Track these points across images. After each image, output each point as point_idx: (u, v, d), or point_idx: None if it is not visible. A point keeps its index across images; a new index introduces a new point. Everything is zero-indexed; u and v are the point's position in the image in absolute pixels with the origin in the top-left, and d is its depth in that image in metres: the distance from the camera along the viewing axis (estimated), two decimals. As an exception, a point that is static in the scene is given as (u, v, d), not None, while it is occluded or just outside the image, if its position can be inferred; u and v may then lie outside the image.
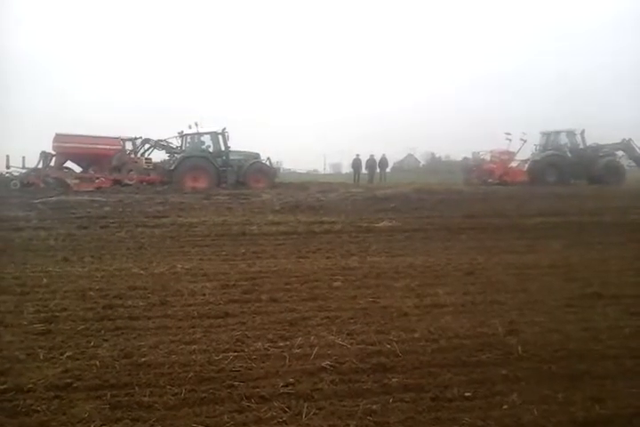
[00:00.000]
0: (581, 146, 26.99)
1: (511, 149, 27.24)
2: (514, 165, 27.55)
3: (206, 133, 23.84)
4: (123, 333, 4.44)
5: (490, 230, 10.34)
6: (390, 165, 37.82)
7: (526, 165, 27.30)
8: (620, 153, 27.43)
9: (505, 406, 3.17)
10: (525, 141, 26.90)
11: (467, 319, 4.74)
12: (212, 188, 21.27)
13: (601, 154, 26.77)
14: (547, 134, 27.74)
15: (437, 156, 61.97)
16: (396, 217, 12.08)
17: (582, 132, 26.95)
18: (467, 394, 3.33)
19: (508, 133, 26.70)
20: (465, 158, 40.60)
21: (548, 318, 4.79)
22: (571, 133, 27.22)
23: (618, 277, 6.32)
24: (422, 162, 63.97)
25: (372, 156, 34.18)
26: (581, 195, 17.77)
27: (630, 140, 27.35)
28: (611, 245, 8.59)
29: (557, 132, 27.63)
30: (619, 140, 27.56)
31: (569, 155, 26.74)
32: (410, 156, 65.54)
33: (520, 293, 5.64)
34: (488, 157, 28.79)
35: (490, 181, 26.18)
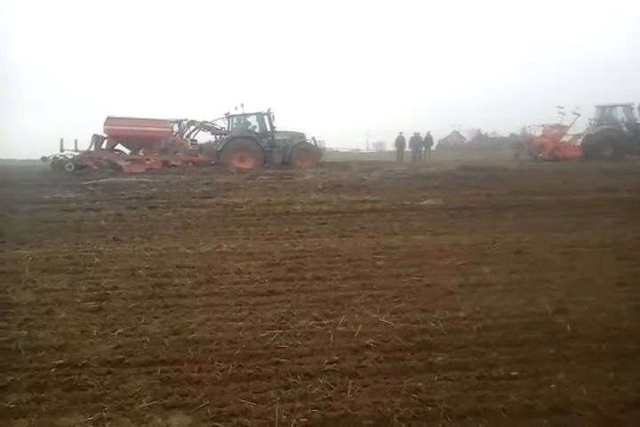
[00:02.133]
0: (638, 121, 25.95)
1: (564, 124, 26.37)
2: (566, 139, 26.69)
3: (252, 114, 23.90)
4: (172, 310, 4.56)
5: (537, 208, 10.09)
6: (435, 142, 37.17)
7: (579, 140, 26.42)
8: None
9: (553, 385, 3.14)
10: (579, 115, 25.95)
11: (513, 298, 4.68)
12: (257, 168, 21.40)
13: None
14: (602, 108, 26.72)
15: (483, 132, 60.57)
16: (441, 195, 11.92)
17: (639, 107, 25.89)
18: (513, 373, 3.30)
19: (561, 107, 25.82)
20: (513, 134, 39.65)
21: (597, 297, 4.67)
22: (627, 107, 26.16)
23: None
24: (468, 139, 62.63)
25: (415, 133, 33.69)
26: (633, 170, 17.14)
27: None
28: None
29: (613, 106, 26.60)
30: None
31: (625, 129, 25.77)
32: (455, 133, 64.15)
33: (569, 271, 5.52)
34: (539, 132, 27.94)
35: (540, 156, 25.45)
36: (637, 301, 4.53)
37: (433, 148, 35.83)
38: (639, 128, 25.57)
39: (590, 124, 26.78)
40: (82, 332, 4.08)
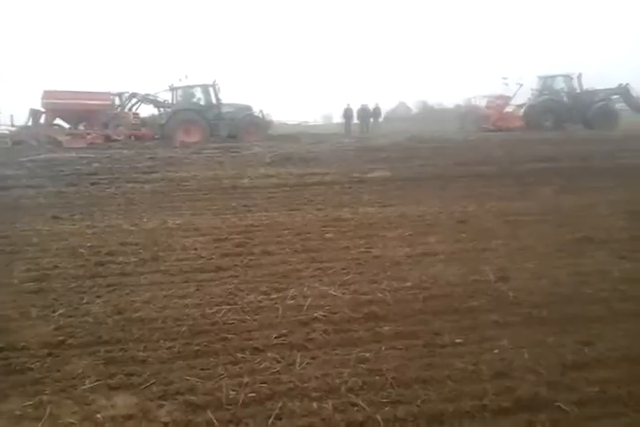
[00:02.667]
0: (578, 90, 26.65)
1: (507, 94, 26.86)
2: (510, 110, 27.23)
3: (197, 86, 23.39)
4: (115, 289, 4.44)
5: (481, 178, 10.28)
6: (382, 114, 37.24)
7: (522, 110, 27.00)
8: (615, 98, 27.12)
9: (496, 351, 3.22)
10: (522, 85, 26.50)
11: (458, 267, 4.77)
12: (203, 141, 21.02)
13: (597, 99, 26.49)
14: (543, 78, 27.31)
15: (430, 104, 61.08)
16: (389, 167, 11.99)
17: (579, 77, 26.57)
18: (458, 340, 3.37)
19: (505, 77, 26.29)
20: (457, 105, 40.12)
21: (538, 263, 4.81)
22: (567, 78, 26.83)
23: (607, 221, 6.34)
24: (414, 110, 63.08)
25: (363, 105, 33.68)
26: (572, 140, 17.66)
27: (627, 85, 27.03)
28: (600, 189, 8.59)
29: (554, 77, 27.21)
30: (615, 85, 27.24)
31: (565, 99, 26.44)
32: (402, 104, 64.44)
33: (511, 239, 5.66)
34: (484, 103, 28.41)
35: (485, 126, 25.90)
36: (576, 266, 4.69)
37: (380, 119, 35.91)
38: (578, 98, 26.29)
39: (532, 94, 27.38)
40: (20, 314, 3.92)
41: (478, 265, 4.78)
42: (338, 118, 40.03)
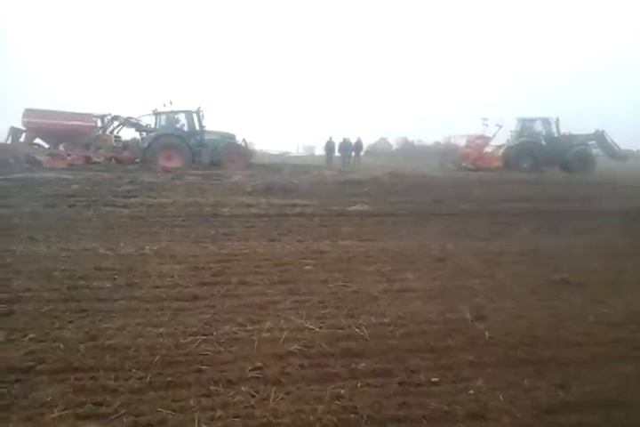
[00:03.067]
0: (556, 134, 27.38)
1: (487, 134, 27.45)
2: (489, 150, 27.79)
3: (181, 112, 23.47)
4: (88, 315, 4.35)
5: (459, 216, 10.42)
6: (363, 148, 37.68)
7: (501, 151, 27.59)
8: (592, 143, 27.94)
9: (471, 392, 3.21)
10: (501, 127, 27.15)
11: (436, 305, 4.78)
12: (185, 167, 20.99)
13: (574, 143, 27.24)
14: (522, 120, 28.02)
15: (410, 140, 62.04)
16: (368, 201, 12.08)
17: (557, 121, 27.33)
18: (434, 379, 3.36)
19: (485, 119, 26.90)
20: (436, 143, 40.79)
21: (515, 304, 4.85)
22: (546, 121, 27.57)
23: (583, 263, 6.43)
24: (395, 146, 63.97)
25: (345, 139, 34.06)
26: (550, 182, 18.02)
27: (603, 131, 27.93)
28: (577, 232, 8.73)
29: (532, 120, 27.94)
30: (592, 131, 28.10)
31: (543, 142, 27.11)
32: (383, 139, 65.40)
33: (488, 278, 5.70)
34: (463, 142, 28.98)
35: (464, 165, 26.34)
36: (552, 308, 4.73)
37: (362, 153, 36.28)
38: (556, 141, 26.98)
39: (511, 135, 28.04)
40: (-11, 337, 3.83)
41: (455, 303, 4.80)
42: (320, 150, 40.42)
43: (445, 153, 29.59)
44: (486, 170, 24.49)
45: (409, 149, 55.13)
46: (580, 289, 5.35)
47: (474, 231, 8.73)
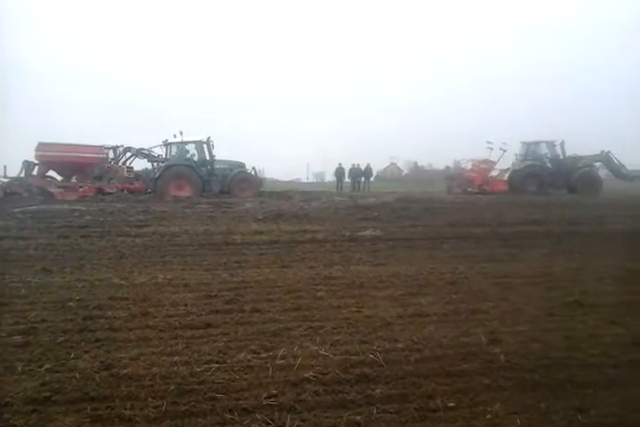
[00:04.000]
0: (561, 156, 27.42)
1: (492, 159, 27.55)
2: (494, 174, 27.85)
3: (191, 142, 23.78)
4: (103, 344, 4.38)
5: (471, 239, 10.40)
6: (373, 173, 37.93)
7: (506, 175, 27.66)
8: (598, 164, 27.99)
9: (488, 416, 3.18)
10: (505, 151, 27.28)
11: (450, 329, 4.75)
12: (195, 197, 21.18)
13: (580, 165, 27.25)
14: (527, 144, 28.13)
15: (420, 164, 62.35)
16: (380, 226, 12.10)
17: (562, 143, 27.42)
18: (450, 404, 3.33)
19: (490, 142, 27.02)
20: (447, 167, 40.93)
21: (529, 326, 4.81)
22: (550, 144, 27.67)
23: (596, 285, 6.38)
24: (405, 171, 64.23)
25: (354, 164, 34.32)
26: (560, 204, 17.98)
27: (609, 152, 27.96)
28: (589, 254, 8.69)
29: (537, 143, 28.04)
30: (598, 152, 28.13)
31: (549, 165, 27.15)
32: (392, 164, 65.76)
33: (502, 302, 5.67)
34: (469, 166, 29.10)
35: (470, 189, 26.36)
36: (567, 330, 4.69)
37: (372, 179, 36.49)
38: (562, 163, 27.02)
39: (516, 159, 28.13)
40: (5, 368, 3.85)
41: (470, 327, 4.78)
42: (330, 177, 40.65)
43: (452, 178, 29.65)
44: (492, 194, 24.48)
45: (419, 174, 55.38)
46: (595, 311, 5.30)
47: (486, 255, 8.71)
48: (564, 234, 10.92)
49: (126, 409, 3.23)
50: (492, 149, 26.98)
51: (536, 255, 8.59)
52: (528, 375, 3.74)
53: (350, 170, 34.02)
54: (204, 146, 23.73)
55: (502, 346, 4.30)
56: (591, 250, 8.98)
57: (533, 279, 6.74)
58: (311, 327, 4.80)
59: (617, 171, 27.98)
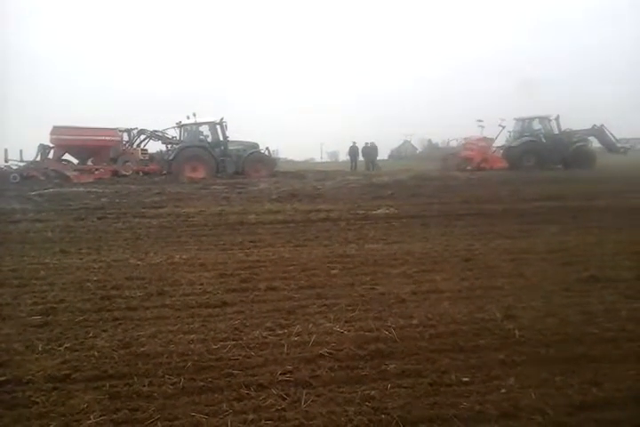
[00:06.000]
0: (556, 131, 27.13)
1: (488, 136, 27.27)
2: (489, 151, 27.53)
3: (204, 123, 23.73)
4: (121, 323, 4.45)
5: (486, 216, 10.34)
6: (387, 152, 37.69)
7: (500, 152, 27.43)
8: (591, 138, 27.77)
9: (503, 391, 3.19)
10: (504, 127, 27.09)
11: (464, 305, 4.75)
12: (210, 178, 21.22)
13: (574, 139, 27.00)
14: (522, 120, 27.84)
15: (434, 142, 61.71)
16: (394, 204, 12.07)
17: (557, 118, 27.10)
18: (464, 379, 3.34)
19: (480, 120, 26.80)
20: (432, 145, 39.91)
21: (545, 302, 4.80)
22: (546, 119, 27.36)
23: (613, 260, 6.33)
24: (419, 148, 63.69)
25: (367, 143, 34.06)
26: (575, 179, 17.76)
27: (602, 125, 27.64)
28: (606, 228, 8.59)
29: (532, 118, 27.77)
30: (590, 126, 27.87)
31: (544, 140, 26.87)
32: (406, 142, 65.17)
33: (517, 278, 5.65)
34: (462, 145, 28.86)
35: (468, 168, 25.95)
36: (582, 306, 4.67)
37: (385, 157, 36.26)
38: (556, 139, 26.74)
39: (510, 136, 27.85)
40: (26, 347, 3.93)
41: (484, 303, 4.77)
42: (344, 156, 40.44)
43: (445, 158, 29.20)
44: (490, 171, 24.19)
45: (433, 152, 54.89)
46: (611, 286, 5.26)
47: (501, 231, 8.67)
48: (580, 209, 10.79)
49: (144, 386, 3.29)
50: (483, 127, 26.78)
51: (552, 231, 8.52)
52: (543, 350, 3.74)
53: (363, 148, 33.77)
54: (218, 127, 23.68)
55: (517, 322, 4.29)
56: (608, 225, 8.87)
57: (549, 255, 6.70)
58: (325, 305, 4.82)
59: (611, 145, 27.81)
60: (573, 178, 18.12)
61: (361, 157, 34.06)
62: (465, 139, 28.91)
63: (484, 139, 27.15)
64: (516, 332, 4.04)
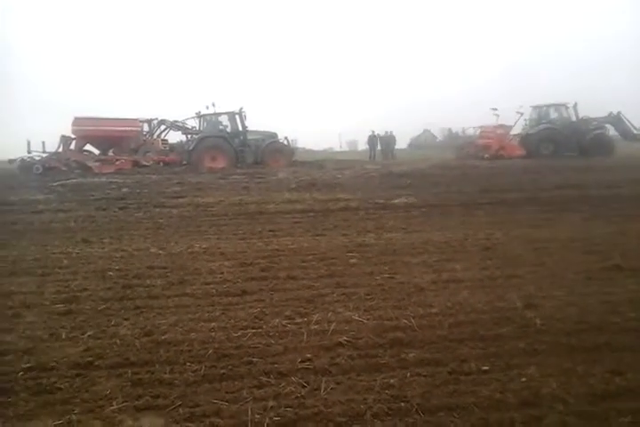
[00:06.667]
0: (574, 119, 26.66)
1: (507, 124, 26.86)
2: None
3: (223, 114, 23.77)
4: (142, 311, 4.50)
5: (507, 205, 10.24)
6: (407, 141, 37.42)
7: (516, 140, 27.02)
8: (607, 126, 27.19)
9: (523, 379, 3.17)
10: (522, 115, 26.63)
11: (484, 294, 4.73)
12: (229, 167, 21.28)
13: (591, 127, 26.51)
14: (539, 108, 27.37)
15: (454, 131, 61.06)
16: (413, 193, 12.02)
17: (575, 106, 26.60)
18: (484, 368, 3.33)
19: (495, 109, 26.39)
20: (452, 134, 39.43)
21: (566, 291, 4.75)
22: (563, 107, 26.90)
23: (637, 249, 6.23)
24: (439, 137, 63.08)
25: (387, 132, 33.89)
26: (596, 167, 17.47)
27: (619, 113, 27.06)
28: (629, 217, 8.46)
29: (549, 106, 27.30)
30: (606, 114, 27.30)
31: (562, 128, 26.43)
32: (426, 131, 64.60)
33: (538, 267, 5.60)
34: (477, 133, 28.48)
35: (486, 156, 25.60)
36: (605, 295, 4.62)
37: (405, 146, 36.04)
38: (574, 126, 26.27)
39: (526, 124, 27.39)
40: (50, 335, 4.00)
41: (505, 292, 4.74)
42: (363, 145, 40.24)
43: (462, 146, 28.82)
44: (508, 159, 23.84)
45: (453, 141, 54.34)
46: (634, 275, 5.19)
47: (522, 219, 8.59)
48: (602, 198, 10.63)
49: (166, 373, 3.33)
50: (497, 115, 26.35)
51: (574, 220, 8.42)
52: (564, 339, 3.71)
53: (382, 137, 33.58)
54: (237, 117, 23.69)
55: (538, 311, 4.26)
56: (631, 214, 8.74)
57: (571, 244, 6.63)
58: (344, 294, 4.83)
59: (627, 132, 27.16)
60: (593, 166, 17.80)
61: (379, 147, 33.87)
62: (481, 127, 28.53)
63: (502, 126, 26.77)
64: (537, 321, 4.01)
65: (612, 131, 27.64)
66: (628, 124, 27.20)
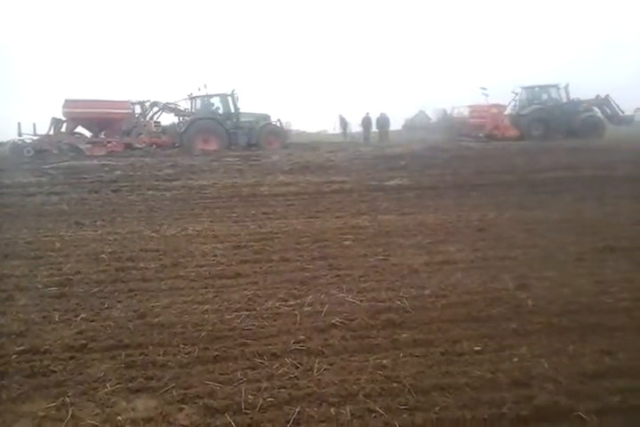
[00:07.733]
0: (564, 100, 26.52)
1: (501, 103, 26.65)
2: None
3: (215, 95, 23.53)
4: (136, 294, 4.51)
5: (501, 186, 10.24)
6: (401, 122, 37.22)
7: (507, 120, 26.83)
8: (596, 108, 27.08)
9: (515, 359, 3.20)
10: (517, 94, 26.41)
11: (477, 275, 4.75)
12: (222, 150, 21.14)
13: (580, 109, 26.40)
14: (530, 88, 27.17)
15: (449, 112, 60.73)
16: (407, 175, 12.00)
17: (566, 87, 26.41)
18: (476, 348, 3.36)
19: (484, 88, 26.16)
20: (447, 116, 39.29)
21: (558, 272, 4.78)
22: (555, 88, 26.74)
23: (629, 230, 6.27)
24: (433, 119, 62.78)
25: (382, 113, 33.66)
26: (591, 149, 17.45)
27: (607, 96, 26.93)
28: (621, 198, 8.49)
29: (541, 87, 27.11)
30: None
31: (553, 109, 26.30)
32: (421, 112, 64.24)
33: (531, 248, 5.63)
34: (466, 113, 28.22)
35: (480, 135, 25.37)
36: (597, 275, 4.65)
37: (399, 128, 35.87)
38: (564, 108, 26.15)
39: (515, 105, 27.19)
40: (43, 318, 4.01)
41: (497, 273, 4.77)
42: (357, 127, 39.99)
43: (452, 126, 28.57)
44: (502, 139, 23.73)
45: (448, 122, 54.04)
46: (626, 255, 5.23)
47: (515, 201, 8.60)
48: (596, 179, 10.64)
49: (159, 355, 3.35)
50: (486, 95, 26.11)
51: (567, 201, 8.44)
52: (556, 320, 3.74)
53: (377, 119, 33.34)
54: (229, 99, 23.47)
55: (530, 291, 4.29)
56: (624, 195, 8.75)
57: (563, 225, 6.66)
58: (338, 275, 4.85)
59: (615, 116, 27.04)
60: (586, 147, 17.78)
61: (374, 128, 33.66)
62: (470, 106, 28.24)
63: (496, 105, 26.53)
64: (529, 302, 4.04)
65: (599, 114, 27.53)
66: (616, 107, 27.09)
